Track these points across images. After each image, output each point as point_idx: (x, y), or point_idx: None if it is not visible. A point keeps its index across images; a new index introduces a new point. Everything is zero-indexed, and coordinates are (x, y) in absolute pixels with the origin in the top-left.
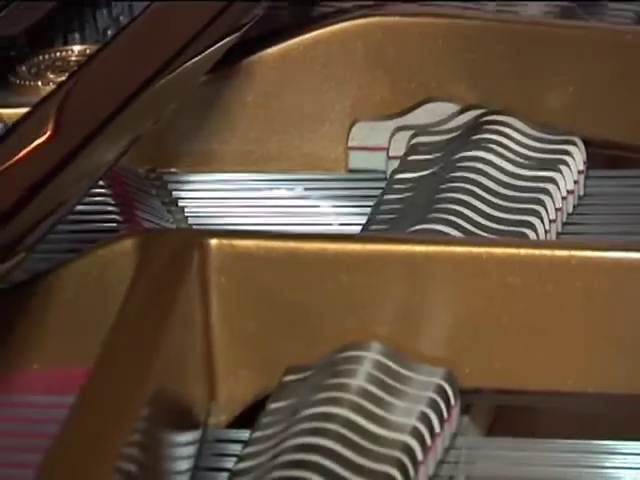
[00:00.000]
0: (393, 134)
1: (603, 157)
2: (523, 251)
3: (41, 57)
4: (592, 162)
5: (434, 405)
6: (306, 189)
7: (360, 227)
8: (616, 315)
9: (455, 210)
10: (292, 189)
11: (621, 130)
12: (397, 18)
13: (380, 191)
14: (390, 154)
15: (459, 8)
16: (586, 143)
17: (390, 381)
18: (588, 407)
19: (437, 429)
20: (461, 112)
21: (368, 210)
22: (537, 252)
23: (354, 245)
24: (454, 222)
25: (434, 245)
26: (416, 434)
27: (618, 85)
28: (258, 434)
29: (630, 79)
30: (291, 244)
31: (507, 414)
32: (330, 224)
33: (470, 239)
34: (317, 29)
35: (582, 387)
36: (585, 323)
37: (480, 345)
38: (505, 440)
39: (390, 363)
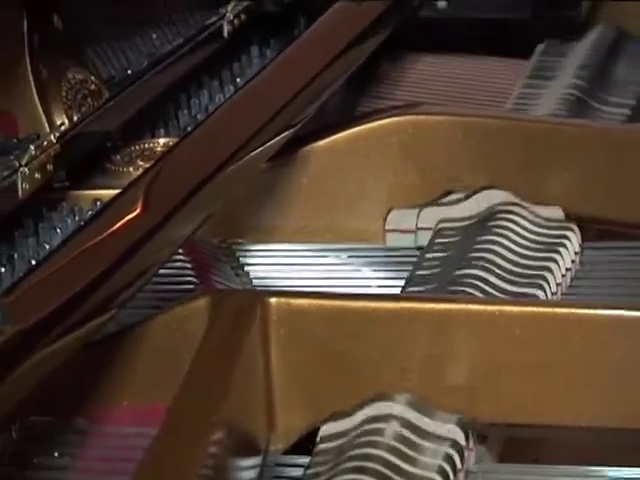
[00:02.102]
0: (421, 219)
1: (595, 231)
2: (529, 309)
3: (132, 148)
4: (586, 235)
5: (456, 446)
6: (350, 257)
7: (393, 289)
8: (607, 362)
9: (474, 285)
10: (338, 257)
11: (610, 209)
12: (424, 117)
13: (411, 259)
14: (420, 235)
15: (477, 108)
16: (581, 219)
17: (419, 427)
18: (583, 438)
19: (459, 466)
20: (475, 192)
21: (401, 275)
22: (541, 309)
23: (389, 304)
24: (476, 286)
25: (455, 303)
26: (441, 472)
27: (608, 173)
28: (310, 472)
29: (619, 168)
30: (338, 302)
31: (515, 443)
32: (370, 286)
33: (485, 299)
34: (358, 125)
35: (578, 421)
36: (581, 369)
37: (494, 386)
38: (514, 466)
39: (417, 412)
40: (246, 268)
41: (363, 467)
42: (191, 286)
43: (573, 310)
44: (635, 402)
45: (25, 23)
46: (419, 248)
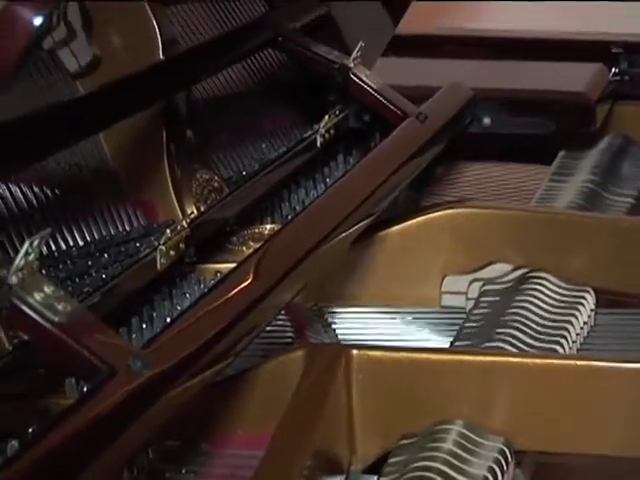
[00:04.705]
0: (470, 284)
1: (605, 299)
2: (556, 361)
3: (246, 232)
4: (598, 303)
5: (498, 462)
6: (414, 318)
7: (447, 343)
8: (617, 403)
9: (511, 335)
10: (404, 318)
11: (618, 283)
12: (471, 210)
13: (461, 321)
14: (468, 297)
15: (512, 203)
16: (595, 290)
17: (468, 445)
18: (600, 463)
19: (500, 479)
20: (513, 270)
21: (453, 332)
22: (566, 362)
23: (445, 355)
24: (511, 342)
25: (498, 356)
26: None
27: (616, 254)
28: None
29: (624, 251)
30: (405, 354)
31: (544, 468)
32: (429, 340)
33: (522, 353)
34: (421, 216)
35: (596, 450)
36: (597, 408)
37: (528, 422)
38: None
39: (468, 433)
40: (333, 326)
41: (422, 477)
42: (290, 340)
43: (591, 362)
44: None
45: (164, 135)
46: None
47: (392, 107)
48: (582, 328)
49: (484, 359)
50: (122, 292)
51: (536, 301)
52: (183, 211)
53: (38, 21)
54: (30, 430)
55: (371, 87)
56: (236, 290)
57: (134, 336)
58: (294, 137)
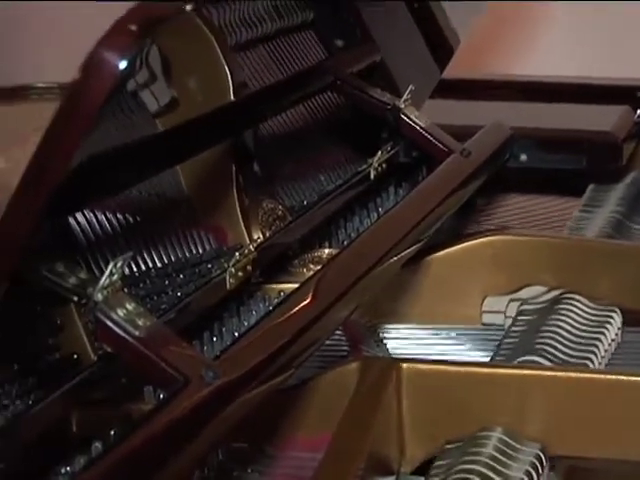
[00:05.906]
0: (508, 304)
1: (631, 318)
2: (588, 375)
3: (306, 255)
4: (624, 322)
5: (534, 466)
6: (457, 334)
7: (487, 357)
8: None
9: (545, 350)
10: (449, 334)
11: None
12: (509, 237)
13: (500, 337)
14: (506, 315)
15: (546, 231)
16: (621, 310)
17: (507, 450)
18: (626, 468)
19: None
20: (548, 291)
21: (492, 347)
22: (596, 376)
23: (486, 369)
24: (545, 356)
25: (534, 370)
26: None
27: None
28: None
29: None
30: (450, 367)
31: (575, 471)
32: (471, 354)
33: (555, 367)
34: (463, 242)
35: (623, 456)
36: (624, 418)
37: (561, 430)
38: None
39: (507, 439)
40: (385, 341)
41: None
42: (346, 353)
43: (619, 377)
44: None
45: (234, 168)
46: None
47: (438, 144)
48: (610, 345)
49: (521, 372)
50: (195, 309)
51: (568, 320)
52: (250, 236)
53: (123, 65)
54: (112, 433)
55: (420, 126)
56: (297, 308)
57: (206, 348)
58: (350, 170)
